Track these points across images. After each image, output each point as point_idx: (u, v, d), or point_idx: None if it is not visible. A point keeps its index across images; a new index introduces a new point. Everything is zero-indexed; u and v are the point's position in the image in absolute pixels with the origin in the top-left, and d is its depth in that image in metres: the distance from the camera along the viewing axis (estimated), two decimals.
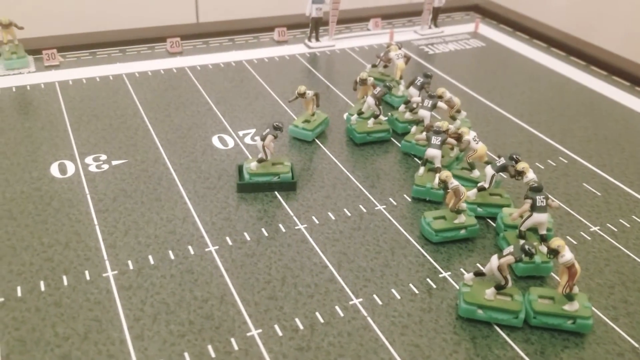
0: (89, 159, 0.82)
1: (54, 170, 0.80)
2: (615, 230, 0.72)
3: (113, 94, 1.00)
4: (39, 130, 0.88)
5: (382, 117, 0.91)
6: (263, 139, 0.76)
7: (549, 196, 0.67)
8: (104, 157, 0.83)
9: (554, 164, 0.85)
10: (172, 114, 0.95)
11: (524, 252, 0.56)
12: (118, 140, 0.87)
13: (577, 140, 0.91)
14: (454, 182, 0.67)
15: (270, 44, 1.23)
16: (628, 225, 0.73)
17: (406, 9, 1.38)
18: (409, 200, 0.77)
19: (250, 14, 1.35)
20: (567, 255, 0.55)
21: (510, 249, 0.57)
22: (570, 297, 0.57)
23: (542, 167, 0.85)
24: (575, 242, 0.70)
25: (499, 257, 0.57)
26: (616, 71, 1.13)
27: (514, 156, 0.71)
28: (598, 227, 0.73)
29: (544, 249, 0.65)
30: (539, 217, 0.64)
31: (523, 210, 0.65)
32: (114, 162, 0.82)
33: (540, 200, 0.64)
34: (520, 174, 0.68)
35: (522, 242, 0.64)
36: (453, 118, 0.90)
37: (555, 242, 0.56)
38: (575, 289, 0.59)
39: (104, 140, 0.87)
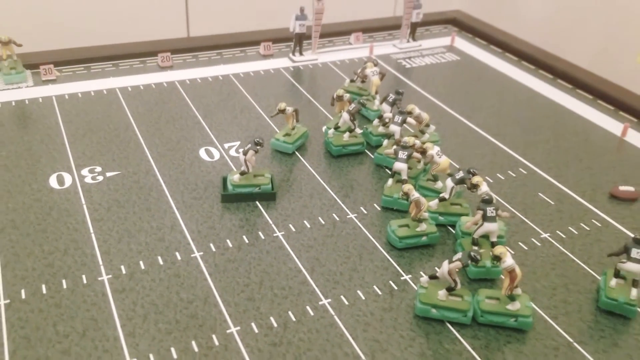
0: (84, 171, 0.89)
1: (53, 181, 0.87)
2: (564, 237, 0.80)
3: (107, 107, 1.07)
4: (38, 143, 0.95)
5: (358, 130, 0.99)
6: (245, 153, 0.83)
7: (499, 208, 0.74)
8: (99, 169, 0.90)
9: (514, 175, 0.93)
10: (162, 127, 1.02)
11: (470, 259, 0.63)
12: (112, 152, 0.94)
13: (539, 152, 0.99)
14: (415, 194, 0.75)
15: (256, 58, 1.30)
16: (576, 233, 0.81)
17: (386, 23, 1.45)
18: (379, 209, 0.84)
19: (239, 28, 1.42)
20: (508, 261, 0.63)
21: (459, 255, 0.64)
22: (512, 298, 0.64)
23: (503, 178, 0.92)
24: (526, 248, 0.78)
25: (449, 263, 0.64)
26: (581, 85, 1.21)
27: (471, 170, 0.79)
28: (549, 234, 0.80)
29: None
30: (489, 226, 0.71)
31: (475, 220, 0.72)
32: (108, 174, 0.89)
33: (490, 211, 0.71)
34: (475, 186, 0.76)
35: (475, 248, 0.71)
36: (422, 132, 0.97)
37: (498, 249, 0.63)
38: (518, 291, 0.66)
39: (98, 152, 0.94)
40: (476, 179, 0.76)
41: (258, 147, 0.83)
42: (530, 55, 1.33)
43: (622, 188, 0.88)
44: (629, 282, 0.69)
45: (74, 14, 1.47)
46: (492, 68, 1.30)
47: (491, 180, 0.91)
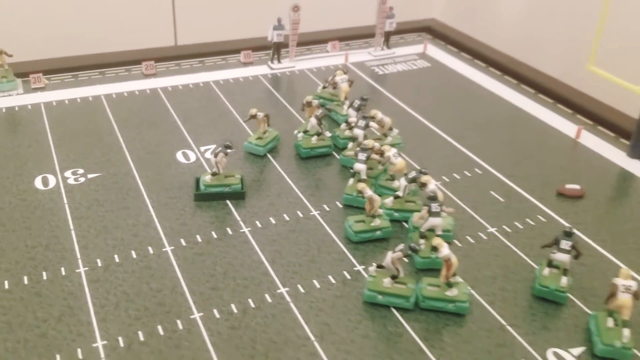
0: (68, 173, 0.96)
1: (38, 183, 0.93)
2: (510, 231, 0.86)
3: (92, 113, 1.14)
4: (26, 147, 1.02)
5: (327, 134, 1.05)
6: (215, 155, 0.90)
7: (443, 204, 0.80)
8: (81, 171, 0.96)
9: (470, 175, 0.99)
10: (144, 132, 1.08)
11: (410, 249, 0.69)
12: (94, 156, 1.00)
13: (494, 153, 1.05)
14: (368, 192, 0.81)
15: (236, 65, 1.37)
16: (521, 227, 0.87)
17: (362, 31, 1.51)
18: (340, 206, 0.91)
19: (225, 36, 1.48)
20: (443, 251, 0.69)
21: (401, 246, 0.71)
22: (449, 285, 0.71)
23: (459, 177, 0.98)
24: (473, 241, 0.84)
25: (393, 253, 0.70)
26: (543, 89, 1.27)
27: (422, 170, 0.85)
28: (495, 229, 0.87)
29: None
30: (434, 221, 0.78)
31: (422, 215, 0.78)
32: (90, 176, 0.95)
33: (435, 207, 0.77)
34: (424, 185, 0.82)
35: (421, 241, 0.78)
36: (385, 135, 1.04)
37: (435, 240, 0.70)
38: (458, 279, 0.73)
39: (82, 156, 1.00)
40: (425, 178, 0.82)
41: (228, 149, 0.90)
42: (497, 62, 1.39)
43: (568, 186, 0.94)
44: (561, 271, 0.75)
45: (63, 24, 1.54)
46: (460, 74, 1.36)
47: (447, 180, 0.97)
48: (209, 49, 1.43)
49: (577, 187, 0.94)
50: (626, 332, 0.66)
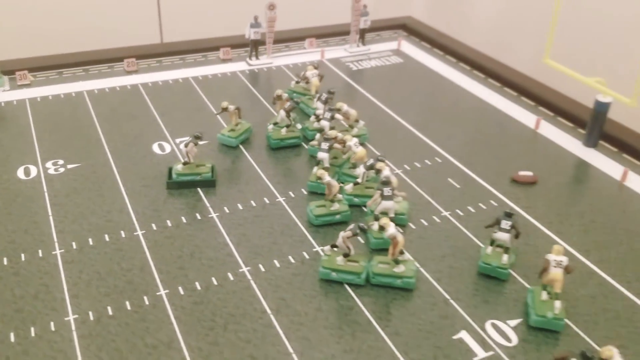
0: (49, 164, 1.01)
1: (20, 173, 0.98)
2: (462, 214, 0.92)
3: (74, 108, 1.19)
4: (10, 140, 1.07)
5: (298, 126, 1.11)
6: (186, 145, 0.95)
7: (395, 188, 0.85)
8: (61, 161, 1.02)
9: (430, 163, 1.04)
10: (122, 125, 1.13)
11: (359, 229, 0.75)
12: (74, 148, 1.06)
13: (456, 143, 1.10)
14: (326, 178, 0.86)
15: (216, 62, 1.42)
16: (474, 211, 0.92)
17: (338, 29, 1.56)
18: (305, 193, 0.96)
19: (210, 33, 1.53)
20: (390, 230, 0.74)
21: (351, 226, 0.76)
22: (397, 262, 0.76)
23: (419, 166, 1.03)
24: (426, 224, 0.89)
25: (344, 233, 0.76)
26: (508, 83, 1.33)
27: (379, 157, 0.90)
28: (449, 213, 0.92)
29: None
30: (386, 204, 0.83)
31: (375, 199, 0.84)
32: (69, 166, 1.01)
33: (387, 191, 0.83)
34: (378, 171, 0.87)
35: (374, 222, 0.83)
36: (351, 127, 1.09)
37: (382, 220, 0.75)
38: (406, 256, 0.78)
39: (62, 148, 1.06)
40: (379, 165, 0.88)
41: (197, 140, 0.95)
42: (467, 57, 1.44)
43: (521, 173, 1.00)
44: (503, 249, 0.80)
45: (49, 23, 1.59)
46: (430, 69, 1.42)
47: (409, 168, 1.02)
48: (190, 46, 1.48)
49: (529, 173, 1.00)
50: (557, 303, 0.71)
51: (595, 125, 1.09)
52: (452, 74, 1.39)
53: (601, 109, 1.07)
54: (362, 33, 1.50)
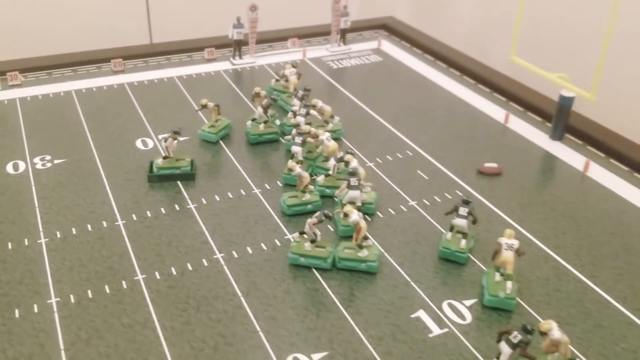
0: (36, 159, 1.06)
1: (9, 168, 1.03)
2: (428, 204, 0.96)
3: (62, 107, 1.24)
4: (0, 137, 1.12)
5: (277, 122, 1.15)
6: (165, 140, 1.00)
7: (362, 178, 0.90)
8: (48, 157, 1.06)
9: (401, 156, 1.09)
10: (108, 122, 1.18)
11: (323, 215, 0.80)
12: (61, 144, 1.10)
13: (427, 137, 1.15)
14: (297, 170, 0.91)
15: (200, 62, 1.47)
16: (439, 201, 0.97)
17: (320, 29, 1.61)
18: (280, 185, 1.01)
19: (198, 34, 1.58)
20: (353, 216, 0.79)
21: (317, 213, 0.81)
22: (360, 247, 0.81)
23: (391, 159, 1.08)
24: (394, 213, 0.94)
25: (310, 219, 0.80)
26: (482, 80, 1.37)
27: (349, 150, 0.95)
28: (415, 202, 0.97)
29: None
30: (352, 194, 0.88)
31: (342, 188, 0.88)
32: (56, 161, 1.05)
33: (353, 181, 0.87)
34: (347, 163, 0.92)
35: (338, 211, 0.88)
36: (327, 122, 1.14)
37: (346, 208, 0.80)
38: (369, 242, 0.83)
39: (50, 144, 1.10)
40: (347, 157, 0.93)
41: (176, 135, 1.00)
42: (444, 56, 1.49)
43: (486, 165, 1.04)
44: (463, 235, 0.85)
45: (40, 25, 1.64)
46: (408, 67, 1.46)
47: (380, 161, 1.07)
48: (175, 47, 1.52)
49: (494, 165, 1.04)
50: (509, 284, 0.76)
51: (560, 119, 1.13)
52: (429, 72, 1.44)
53: (565, 103, 1.12)
54: (343, 33, 1.55)
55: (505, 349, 0.64)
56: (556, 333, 0.64)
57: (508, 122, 1.20)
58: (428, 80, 1.40)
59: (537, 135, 1.17)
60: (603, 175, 1.05)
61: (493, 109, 1.26)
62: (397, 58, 1.52)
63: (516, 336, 0.63)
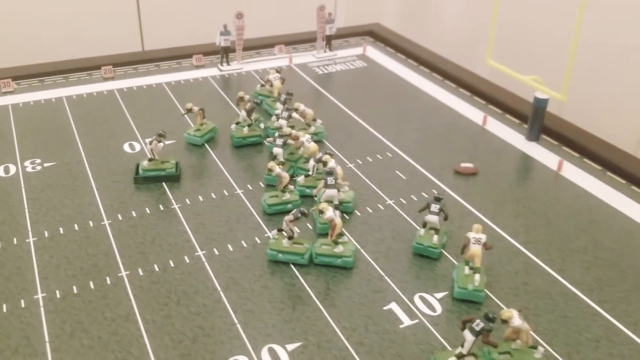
0: (27, 163, 1.09)
1: (0, 171, 1.06)
2: (405, 202, 0.99)
3: (53, 112, 1.27)
4: None
5: (261, 125, 1.19)
6: (150, 143, 1.03)
7: (338, 178, 0.93)
8: (38, 160, 1.10)
9: (381, 158, 1.12)
10: (97, 127, 1.22)
11: (300, 213, 0.83)
12: (51, 148, 1.14)
13: (407, 139, 1.18)
14: (276, 170, 0.94)
15: (189, 68, 1.50)
16: (416, 199, 1.00)
17: (307, 36, 1.65)
18: (263, 186, 1.04)
19: (188, 41, 1.61)
20: (327, 214, 0.82)
21: (294, 211, 0.84)
22: (336, 243, 0.84)
23: (371, 160, 1.11)
24: (371, 211, 0.97)
25: (286, 217, 0.84)
26: (462, 84, 1.41)
27: (327, 152, 0.99)
28: (393, 201, 1.00)
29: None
30: (329, 192, 0.91)
31: (320, 187, 0.92)
32: (46, 164, 1.09)
33: (330, 180, 0.91)
34: (325, 163, 0.95)
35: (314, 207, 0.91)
36: (309, 125, 1.17)
37: (321, 205, 0.83)
38: (345, 239, 0.86)
39: (40, 148, 1.14)
40: (325, 157, 0.96)
41: (161, 137, 1.03)
42: (427, 61, 1.53)
43: (463, 165, 1.08)
44: (435, 231, 0.88)
45: (33, 34, 1.68)
46: (392, 72, 1.50)
47: (361, 162, 1.10)
48: (165, 54, 1.56)
49: (470, 165, 1.08)
50: (477, 277, 0.79)
51: (535, 120, 1.17)
52: (412, 77, 1.47)
53: (540, 104, 1.15)
54: (329, 39, 1.59)
55: (468, 336, 0.67)
56: (517, 321, 0.67)
57: (486, 124, 1.24)
58: (411, 84, 1.44)
59: (513, 137, 1.20)
60: (576, 174, 1.09)
61: (472, 112, 1.30)
62: (381, 63, 1.55)
63: (478, 324, 0.66)
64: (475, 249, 0.79)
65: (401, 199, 1.00)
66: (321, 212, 0.83)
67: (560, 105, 1.20)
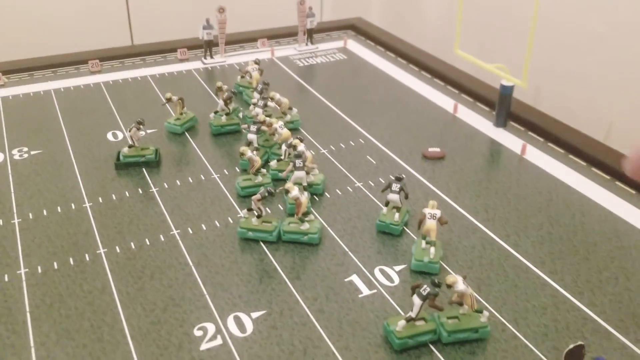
0: (15, 151, 1.14)
1: None
2: (373, 185, 1.04)
3: (41, 105, 1.32)
4: None
5: (240, 114, 1.24)
6: (129, 130, 1.08)
7: (306, 160, 0.98)
8: (25, 149, 1.15)
9: (353, 144, 1.17)
10: (83, 118, 1.27)
11: (266, 192, 0.88)
12: (38, 137, 1.19)
13: (379, 127, 1.23)
14: (248, 154, 0.99)
15: (174, 62, 1.55)
16: (383, 182, 1.05)
17: (289, 30, 1.70)
18: (238, 170, 1.09)
19: (176, 36, 1.66)
20: (293, 193, 0.87)
21: (261, 190, 0.89)
22: (302, 221, 0.89)
23: (344, 146, 1.16)
24: (340, 193, 1.02)
25: (255, 196, 0.89)
26: (437, 74, 1.46)
27: (298, 137, 1.04)
28: (361, 184, 1.05)
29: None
30: (297, 174, 0.96)
31: (289, 170, 0.97)
32: (32, 152, 1.14)
33: (298, 163, 0.96)
34: (294, 147, 1.00)
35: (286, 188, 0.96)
36: (284, 114, 1.22)
37: (287, 185, 0.88)
38: (312, 217, 0.91)
39: (27, 137, 1.19)
40: (295, 142, 1.01)
41: (139, 125, 1.08)
42: (405, 53, 1.58)
43: (430, 149, 1.13)
44: (396, 209, 0.93)
45: (24, 29, 1.73)
46: (371, 64, 1.55)
47: (334, 148, 1.15)
48: (151, 48, 1.61)
49: (437, 150, 1.13)
50: (432, 250, 0.84)
51: (502, 107, 1.22)
52: (390, 68, 1.52)
53: (505, 92, 1.20)
54: (310, 33, 1.64)
55: (416, 300, 0.72)
56: (460, 286, 0.72)
57: (457, 112, 1.29)
58: (388, 76, 1.49)
59: (482, 123, 1.25)
60: (539, 158, 1.13)
61: (445, 101, 1.35)
62: (361, 56, 1.60)
63: (425, 289, 0.71)
64: (431, 224, 0.84)
65: (370, 182, 1.05)
66: (287, 191, 0.88)
67: (535, 94, 1.25)
